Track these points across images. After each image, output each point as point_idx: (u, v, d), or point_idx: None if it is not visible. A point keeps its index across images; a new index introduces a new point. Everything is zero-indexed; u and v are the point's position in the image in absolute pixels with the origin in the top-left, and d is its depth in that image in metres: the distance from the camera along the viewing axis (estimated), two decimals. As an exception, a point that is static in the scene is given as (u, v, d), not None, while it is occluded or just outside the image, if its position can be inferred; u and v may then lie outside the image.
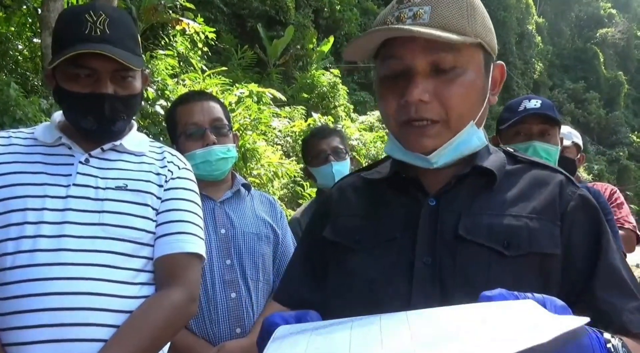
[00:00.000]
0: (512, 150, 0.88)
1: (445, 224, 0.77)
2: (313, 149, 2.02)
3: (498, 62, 0.83)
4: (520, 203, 0.78)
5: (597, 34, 36.42)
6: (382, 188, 0.85)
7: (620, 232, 2.01)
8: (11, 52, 5.53)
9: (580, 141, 2.39)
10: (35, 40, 5.69)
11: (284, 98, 8.71)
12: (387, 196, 0.84)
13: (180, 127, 1.60)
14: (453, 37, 0.72)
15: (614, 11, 38.83)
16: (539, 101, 1.63)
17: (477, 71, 0.78)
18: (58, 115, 1.20)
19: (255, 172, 6.67)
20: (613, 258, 0.77)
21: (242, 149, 6.36)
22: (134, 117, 1.23)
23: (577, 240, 0.77)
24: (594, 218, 0.79)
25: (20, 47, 5.68)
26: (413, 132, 0.77)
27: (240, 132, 6.47)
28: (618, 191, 2.32)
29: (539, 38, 31.39)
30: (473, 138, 0.79)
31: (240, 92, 7.20)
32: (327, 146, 1.99)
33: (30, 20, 5.87)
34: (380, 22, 0.79)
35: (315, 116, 9.07)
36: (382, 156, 1.03)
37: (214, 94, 6.74)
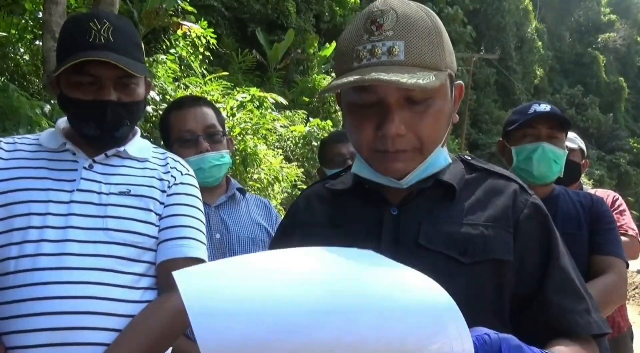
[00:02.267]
0: (469, 158, 0.90)
1: (407, 233, 0.80)
2: (331, 152, 2.03)
3: (458, 82, 0.85)
4: (477, 212, 0.81)
5: (598, 39, 36.51)
6: (346, 199, 0.88)
7: (624, 239, 2.00)
8: (12, 56, 5.54)
9: (584, 147, 2.39)
10: (36, 42, 5.71)
11: (285, 102, 8.72)
12: (351, 206, 0.87)
13: (173, 134, 1.60)
14: (432, 79, 0.73)
15: (614, 17, 38.93)
16: (549, 106, 1.65)
17: (445, 98, 0.80)
18: (63, 121, 1.21)
19: (255, 176, 6.68)
20: (563, 262, 0.81)
21: (243, 153, 6.37)
22: (138, 123, 1.24)
23: (529, 246, 0.81)
24: (544, 225, 0.83)
25: (21, 50, 5.69)
26: (386, 158, 0.79)
27: (241, 136, 6.48)
28: (620, 198, 2.32)
29: (540, 43, 31.46)
30: (440, 159, 0.83)
31: (242, 97, 7.22)
32: (346, 150, 1.98)
33: (31, 23, 5.89)
34: (351, 54, 0.77)
35: (312, 120, 9.09)
36: None
37: (215, 98, 6.77)
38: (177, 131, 1.59)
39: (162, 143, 1.69)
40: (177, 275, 0.54)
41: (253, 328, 0.50)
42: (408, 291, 0.57)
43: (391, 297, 0.55)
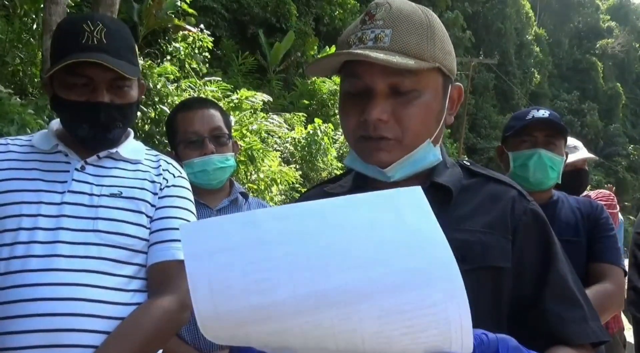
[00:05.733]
0: (468, 163, 0.90)
1: None
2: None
3: (456, 83, 0.86)
4: (475, 218, 0.81)
5: (597, 46, 36.64)
6: None
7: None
8: (9, 59, 5.53)
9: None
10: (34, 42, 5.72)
11: (270, 99, 8.71)
12: None
13: (179, 135, 1.60)
14: (410, 63, 0.75)
15: (612, 24, 39.08)
16: (547, 112, 1.65)
17: (434, 94, 0.80)
18: (55, 123, 1.21)
19: (253, 177, 6.69)
20: (561, 269, 0.81)
21: (249, 152, 6.40)
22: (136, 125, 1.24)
23: (528, 253, 0.80)
24: (543, 232, 0.83)
25: (20, 53, 5.69)
26: (369, 146, 0.80)
27: (241, 136, 6.49)
28: (614, 198, 2.34)
29: (539, 49, 31.56)
30: (429, 155, 0.83)
31: (236, 98, 7.25)
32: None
33: (29, 24, 5.89)
34: (344, 42, 0.81)
35: (315, 121, 9.10)
36: None
37: (214, 100, 6.79)
38: (182, 131, 1.59)
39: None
40: (182, 226, 0.56)
41: (253, 292, 0.51)
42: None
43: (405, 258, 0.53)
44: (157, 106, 5.95)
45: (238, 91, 7.60)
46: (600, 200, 2.18)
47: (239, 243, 0.54)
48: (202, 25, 8.39)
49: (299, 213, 0.55)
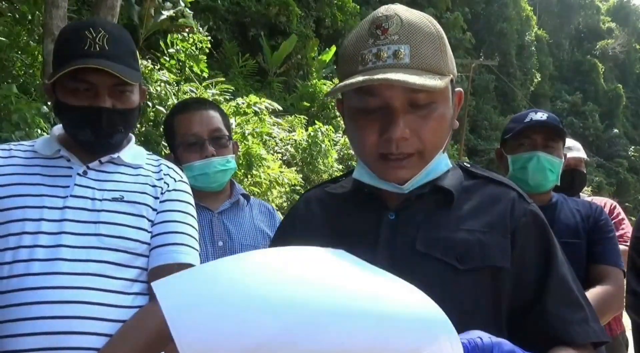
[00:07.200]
0: (468, 165, 0.91)
1: (404, 238, 0.80)
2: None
3: (457, 89, 0.86)
4: (475, 219, 0.81)
5: (597, 46, 36.65)
6: (345, 203, 0.89)
7: (624, 247, 1.98)
8: (9, 61, 5.55)
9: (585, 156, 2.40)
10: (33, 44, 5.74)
11: (280, 108, 8.73)
12: (349, 210, 0.87)
13: (178, 138, 1.58)
14: (438, 83, 0.74)
15: (613, 25, 39.09)
16: (545, 114, 1.65)
17: (447, 103, 0.81)
18: (58, 128, 1.23)
19: (255, 180, 6.69)
20: (561, 271, 0.81)
21: (247, 156, 6.39)
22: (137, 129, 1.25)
23: (528, 254, 0.81)
24: (543, 234, 0.83)
25: (21, 54, 5.71)
26: (390, 164, 0.80)
27: (241, 139, 6.50)
28: (618, 206, 2.32)
29: (540, 50, 31.57)
30: (441, 164, 0.84)
31: (242, 103, 7.25)
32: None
33: (29, 27, 5.91)
34: (354, 58, 0.78)
35: (316, 124, 9.11)
36: None
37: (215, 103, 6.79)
38: (182, 134, 1.56)
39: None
40: (155, 285, 0.53)
41: (241, 334, 0.49)
42: (400, 300, 0.57)
43: (384, 306, 0.55)
44: (155, 108, 5.95)
45: (243, 97, 7.61)
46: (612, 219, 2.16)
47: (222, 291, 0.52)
48: (198, 25, 8.38)
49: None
